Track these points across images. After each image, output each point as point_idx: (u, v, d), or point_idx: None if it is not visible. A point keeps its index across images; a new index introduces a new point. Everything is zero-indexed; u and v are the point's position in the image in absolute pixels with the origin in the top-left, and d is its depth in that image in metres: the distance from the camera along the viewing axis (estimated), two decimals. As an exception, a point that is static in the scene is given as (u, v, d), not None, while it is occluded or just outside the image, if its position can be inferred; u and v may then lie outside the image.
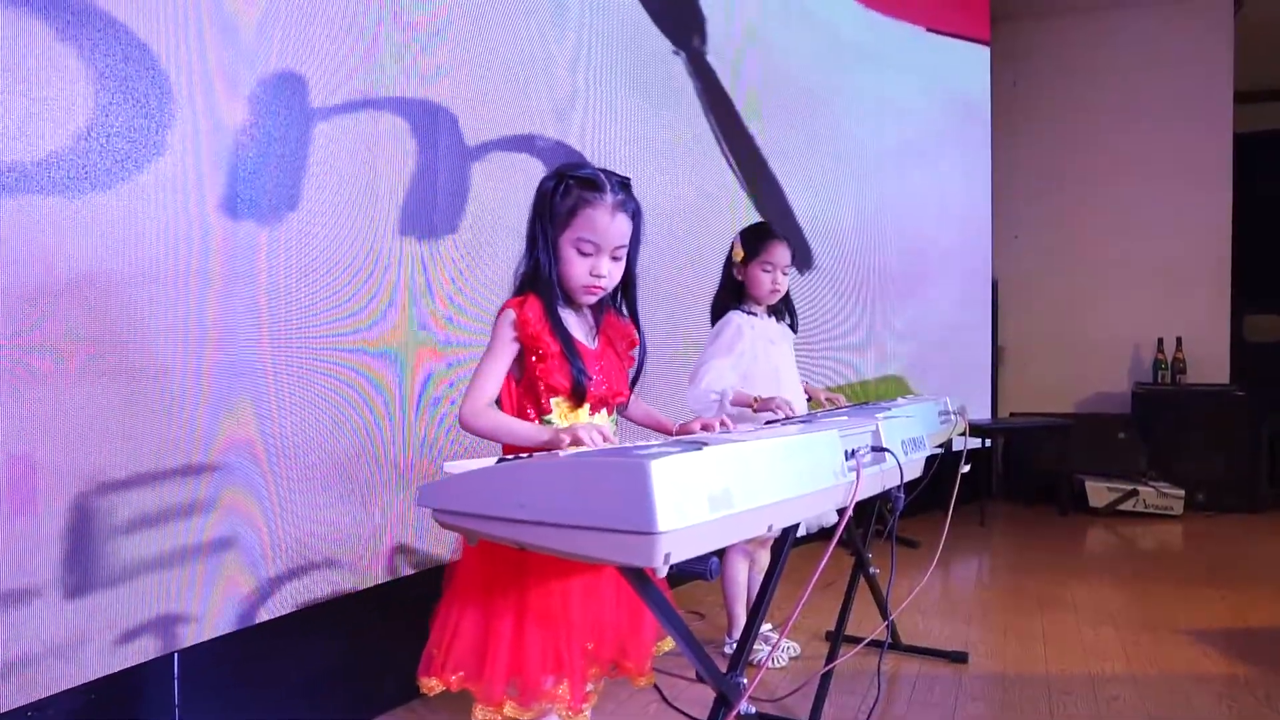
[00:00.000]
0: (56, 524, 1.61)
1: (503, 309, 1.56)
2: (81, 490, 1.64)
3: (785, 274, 2.61)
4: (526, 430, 1.50)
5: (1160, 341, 5.69)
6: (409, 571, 2.35)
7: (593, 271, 1.57)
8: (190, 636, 1.84)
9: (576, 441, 1.39)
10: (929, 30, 5.03)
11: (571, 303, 1.61)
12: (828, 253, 4.30)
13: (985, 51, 5.45)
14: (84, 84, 1.64)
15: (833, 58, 4.32)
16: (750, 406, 2.40)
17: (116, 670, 1.71)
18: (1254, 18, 5.73)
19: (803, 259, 3.75)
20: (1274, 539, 4.51)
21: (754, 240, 2.61)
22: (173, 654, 1.81)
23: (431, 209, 2.39)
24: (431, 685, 1.45)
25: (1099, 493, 5.13)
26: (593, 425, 1.45)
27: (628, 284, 1.67)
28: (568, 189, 1.56)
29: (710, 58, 3.21)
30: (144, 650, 1.75)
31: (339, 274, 2.14)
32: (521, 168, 2.65)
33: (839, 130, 4.36)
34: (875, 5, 4.67)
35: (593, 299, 1.62)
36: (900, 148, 4.87)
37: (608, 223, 1.56)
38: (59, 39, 1.60)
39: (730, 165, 3.30)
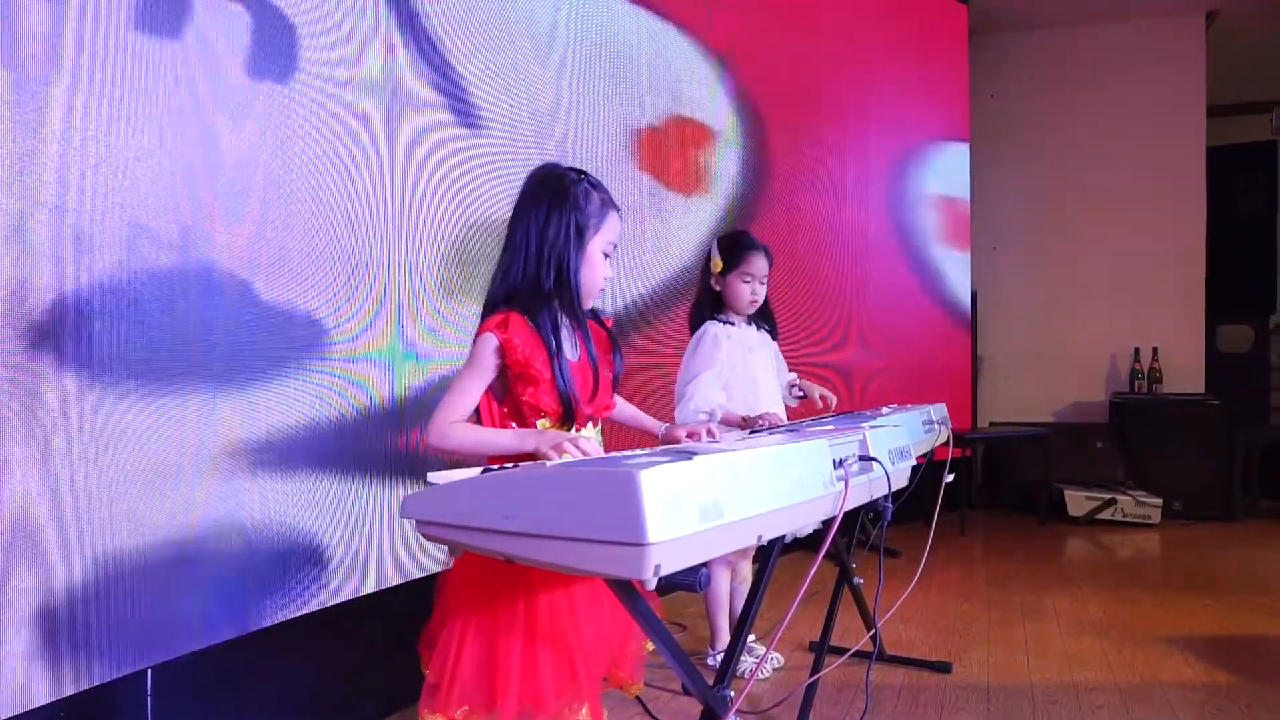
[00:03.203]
0: (18, 533, 1.57)
1: (482, 331, 1.49)
2: (49, 498, 1.60)
3: (763, 284, 2.61)
4: (506, 439, 1.45)
5: (1137, 351, 5.74)
6: (390, 585, 2.32)
7: (607, 275, 1.58)
8: (165, 652, 1.80)
9: (561, 451, 1.36)
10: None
11: (564, 311, 1.57)
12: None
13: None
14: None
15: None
16: (740, 427, 2.39)
17: (89, 687, 1.66)
18: (1225, 32, 5.82)
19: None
20: (1250, 547, 4.56)
21: (732, 251, 2.60)
22: (146, 670, 1.77)
23: (418, 217, 2.37)
24: None
25: (1078, 502, 5.16)
26: (580, 437, 1.42)
27: None
28: (587, 190, 1.53)
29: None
30: (117, 666, 1.71)
31: (330, 284, 2.12)
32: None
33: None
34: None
35: (594, 300, 1.61)
36: (886, 158, 4.91)
37: (619, 225, 1.58)
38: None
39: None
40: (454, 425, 1.46)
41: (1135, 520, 5.05)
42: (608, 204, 1.56)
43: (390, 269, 2.30)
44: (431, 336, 2.41)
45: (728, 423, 2.43)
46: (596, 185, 1.55)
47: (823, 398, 2.70)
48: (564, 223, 1.49)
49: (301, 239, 2.08)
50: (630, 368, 2.92)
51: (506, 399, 1.52)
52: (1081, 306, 5.94)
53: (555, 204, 1.50)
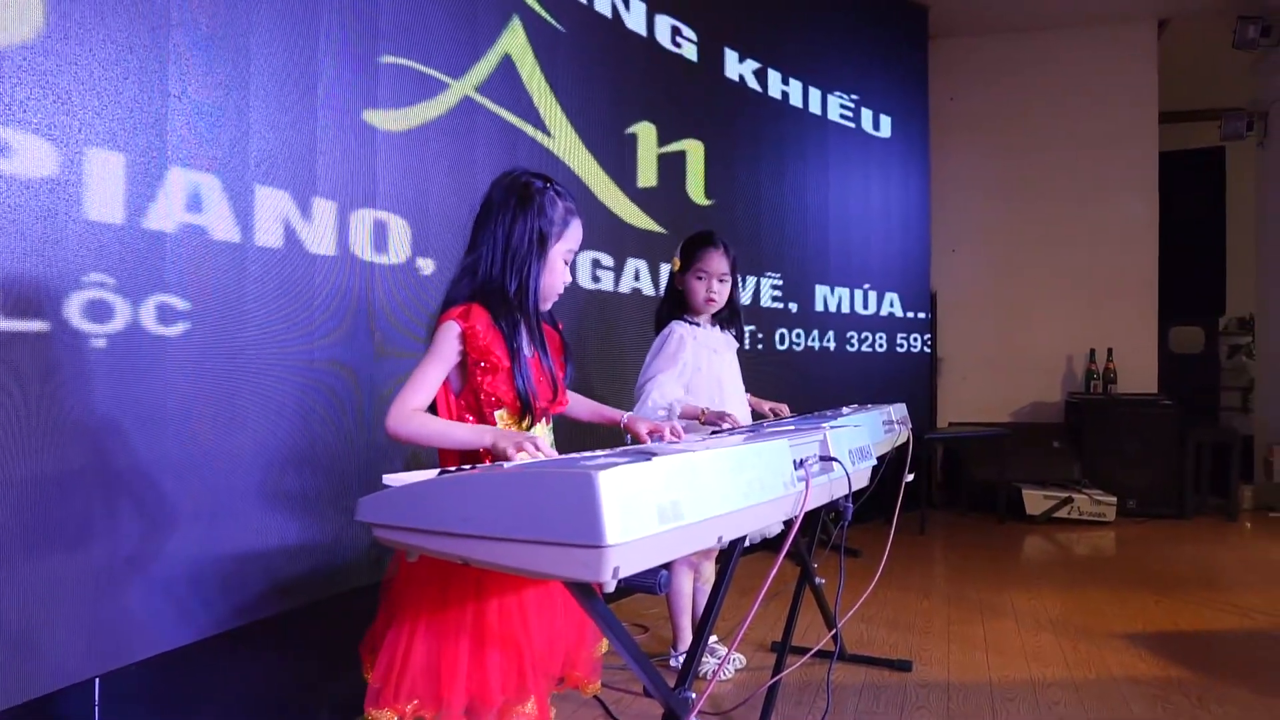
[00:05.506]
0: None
1: (444, 320, 1.50)
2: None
3: (722, 281, 2.59)
4: (464, 433, 1.45)
5: (1092, 352, 5.84)
6: (348, 589, 2.28)
7: (566, 280, 1.61)
8: (114, 659, 1.75)
9: (519, 449, 1.35)
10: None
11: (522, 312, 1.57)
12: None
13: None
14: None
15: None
16: (698, 419, 2.38)
17: (35, 697, 1.61)
18: (1176, 41, 5.95)
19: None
20: (1201, 544, 4.65)
21: (689, 249, 2.60)
22: (94, 679, 1.72)
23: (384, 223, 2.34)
24: (385, 718, 1.38)
25: (1035, 500, 5.24)
26: (539, 439, 1.42)
27: None
28: (553, 198, 1.55)
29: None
30: (64, 674, 1.66)
31: (291, 287, 2.08)
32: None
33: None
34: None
35: (550, 304, 1.62)
36: (843, 161, 4.94)
37: (581, 233, 1.60)
38: None
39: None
40: (414, 413, 1.45)
41: (1091, 518, 5.14)
42: (571, 212, 1.58)
43: (357, 269, 2.27)
44: (391, 341, 2.38)
45: (686, 415, 2.42)
46: (562, 193, 1.58)
47: (773, 410, 2.71)
48: (528, 229, 1.52)
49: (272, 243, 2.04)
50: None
51: (464, 390, 1.52)
52: (1038, 308, 6.04)
53: (520, 210, 1.53)
